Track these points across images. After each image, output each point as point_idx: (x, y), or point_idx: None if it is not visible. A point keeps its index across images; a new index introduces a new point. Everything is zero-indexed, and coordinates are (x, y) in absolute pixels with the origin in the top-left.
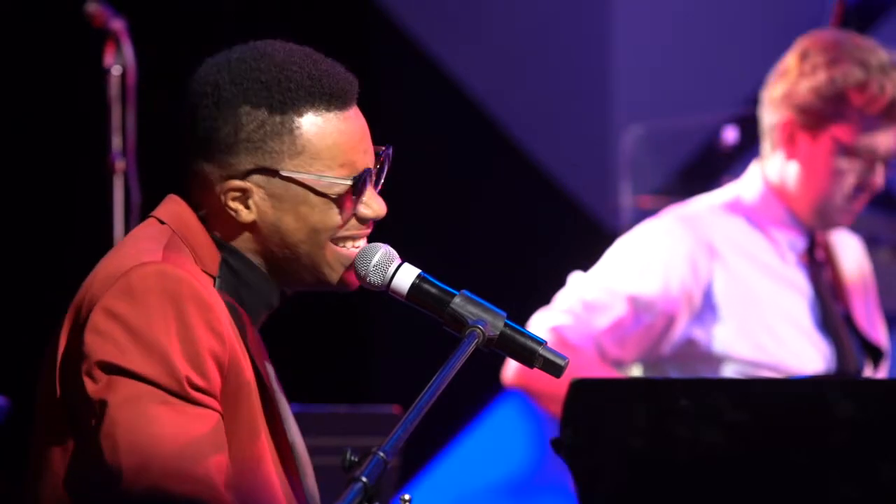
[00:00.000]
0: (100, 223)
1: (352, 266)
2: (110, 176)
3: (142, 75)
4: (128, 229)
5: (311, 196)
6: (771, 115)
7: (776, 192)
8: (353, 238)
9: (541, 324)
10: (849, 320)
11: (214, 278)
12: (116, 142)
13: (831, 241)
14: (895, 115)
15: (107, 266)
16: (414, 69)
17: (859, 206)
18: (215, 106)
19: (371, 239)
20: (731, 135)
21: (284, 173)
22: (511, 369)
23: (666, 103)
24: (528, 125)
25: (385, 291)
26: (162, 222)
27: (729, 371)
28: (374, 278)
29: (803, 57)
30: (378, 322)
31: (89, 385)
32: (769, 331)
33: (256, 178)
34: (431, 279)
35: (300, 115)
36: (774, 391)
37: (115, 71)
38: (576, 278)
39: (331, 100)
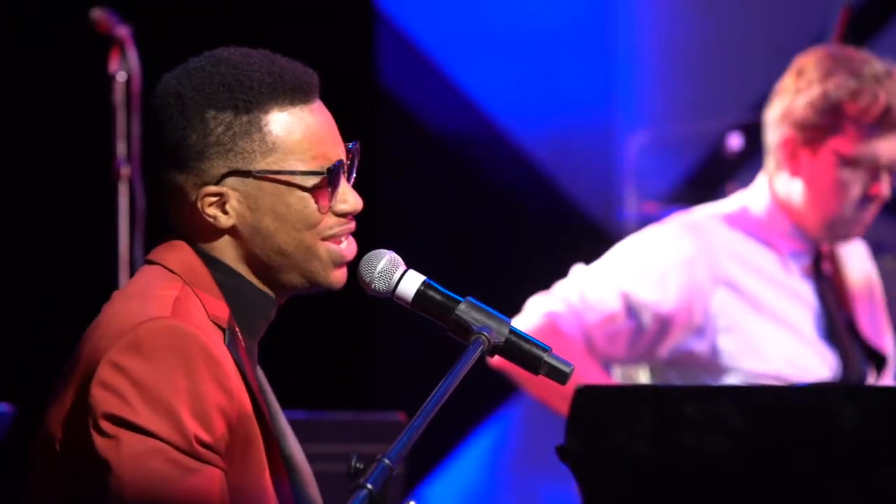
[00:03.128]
0: (105, 229)
1: (341, 263)
2: (115, 182)
3: (147, 82)
4: (132, 235)
5: (287, 193)
6: (772, 134)
7: (783, 208)
8: (338, 236)
9: (536, 308)
10: (853, 329)
11: (224, 331)
12: (121, 148)
13: (839, 252)
14: (893, 123)
15: (114, 318)
16: (418, 75)
17: (870, 216)
18: (181, 115)
19: (376, 244)
20: (735, 141)
21: (258, 172)
22: None
23: (670, 110)
24: (533, 132)
25: (390, 298)
26: (171, 271)
27: (732, 380)
28: (379, 285)
29: (799, 74)
30: (383, 329)
31: (96, 438)
32: (773, 341)
33: (231, 181)
34: (436, 286)
35: (266, 112)
36: (778, 398)
37: (120, 77)
38: (577, 270)
39: (294, 94)
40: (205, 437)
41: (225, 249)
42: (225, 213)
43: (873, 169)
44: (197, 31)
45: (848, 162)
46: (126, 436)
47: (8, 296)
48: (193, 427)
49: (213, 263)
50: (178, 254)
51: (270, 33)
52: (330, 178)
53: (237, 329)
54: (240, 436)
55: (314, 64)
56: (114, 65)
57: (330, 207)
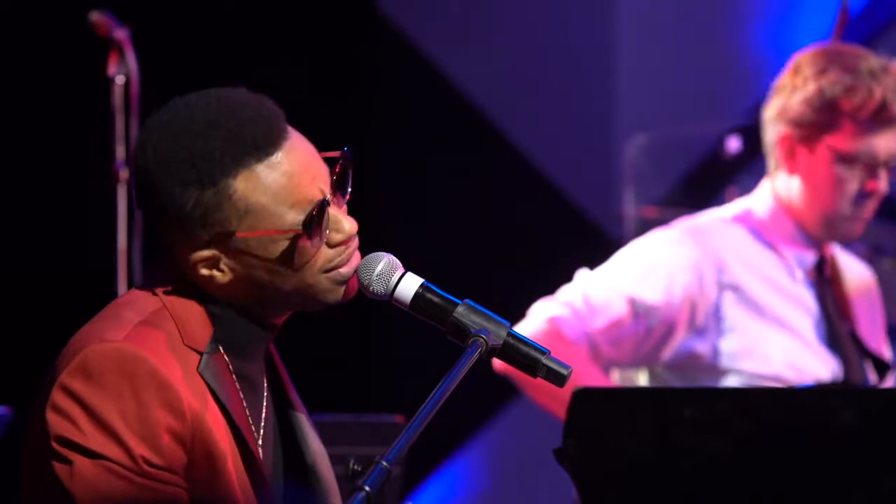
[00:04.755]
0: (104, 232)
1: (345, 281)
2: (114, 185)
3: (145, 84)
4: (131, 239)
5: (275, 246)
6: (770, 132)
7: (785, 208)
8: (340, 264)
9: (540, 313)
10: (854, 336)
11: (201, 354)
12: (120, 151)
13: (837, 259)
14: (889, 118)
15: (77, 338)
16: (418, 77)
17: (868, 212)
18: (151, 194)
19: (375, 248)
20: (733, 144)
21: (239, 236)
22: None
23: (669, 113)
24: (532, 134)
25: (388, 301)
26: (155, 294)
27: (732, 382)
28: (378, 287)
29: (794, 72)
30: (381, 331)
31: (52, 461)
32: (775, 344)
33: (216, 245)
34: (435, 288)
35: (234, 177)
36: (778, 400)
37: (119, 80)
38: (582, 275)
39: (258, 152)
40: (153, 458)
41: (228, 295)
42: (220, 270)
43: (870, 165)
44: (195, 34)
45: (844, 158)
46: (77, 459)
47: (6, 298)
48: (140, 449)
49: (203, 294)
50: (168, 277)
51: (268, 36)
52: (313, 222)
53: (222, 352)
54: (199, 454)
55: (312, 68)
56: (112, 68)
57: (325, 242)
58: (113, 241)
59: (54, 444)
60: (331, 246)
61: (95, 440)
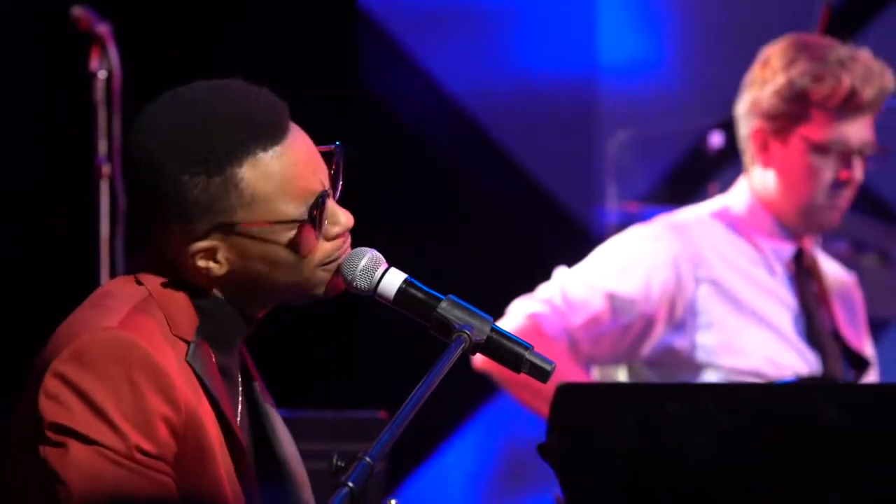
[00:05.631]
0: (86, 228)
1: (337, 273)
2: (97, 180)
3: (127, 79)
4: (113, 233)
5: (275, 238)
6: (743, 126)
7: (762, 202)
8: (337, 259)
9: (519, 310)
10: (834, 331)
11: (189, 343)
12: (102, 146)
13: (818, 257)
14: (859, 106)
15: (66, 327)
16: (400, 74)
17: (844, 202)
18: (156, 182)
19: (358, 243)
20: (716, 140)
21: (242, 226)
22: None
23: (652, 108)
24: (514, 130)
25: (372, 296)
26: (140, 283)
27: (710, 378)
28: (361, 283)
29: (764, 65)
30: (365, 327)
31: (43, 448)
32: (753, 339)
33: (217, 235)
34: (418, 284)
35: (240, 165)
36: (762, 396)
37: (101, 75)
38: (560, 272)
39: (264, 140)
40: (146, 446)
41: (214, 286)
42: (217, 262)
43: (844, 154)
44: (177, 29)
45: (818, 148)
46: (71, 444)
47: None
48: (134, 436)
49: (191, 286)
50: (154, 267)
51: (253, 31)
52: (315, 213)
53: (206, 344)
54: (191, 445)
55: (296, 65)
56: (94, 62)
57: (322, 236)
58: (95, 236)
59: (47, 431)
60: (328, 239)
61: (90, 426)
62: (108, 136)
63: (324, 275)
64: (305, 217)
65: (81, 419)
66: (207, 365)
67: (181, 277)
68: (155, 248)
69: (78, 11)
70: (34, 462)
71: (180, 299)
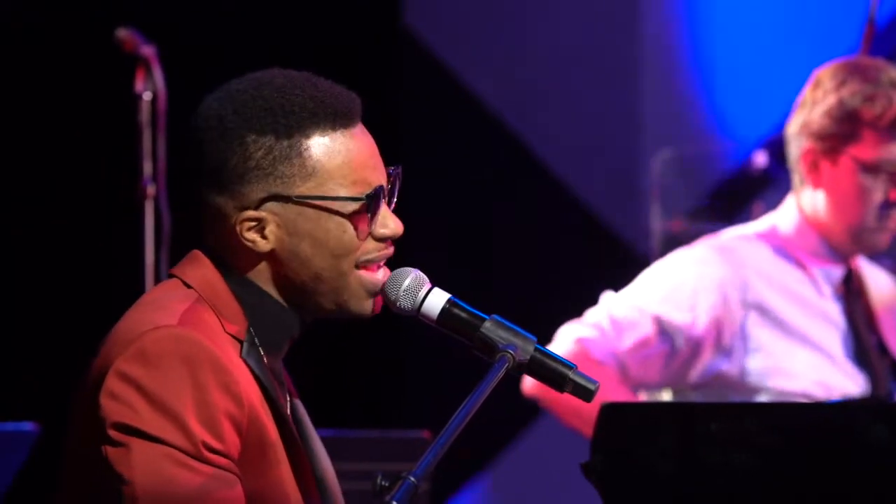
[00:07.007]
0: (131, 249)
1: (376, 293)
2: (141, 202)
3: (172, 101)
4: (158, 254)
5: (327, 218)
6: (794, 147)
7: (811, 223)
8: (375, 261)
9: (567, 335)
10: (882, 350)
11: (242, 342)
12: (147, 167)
13: (863, 272)
14: None
15: (123, 328)
16: (444, 93)
17: (894, 223)
18: (221, 138)
19: (401, 262)
20: (761, 159)
21: (298, 197)
22: (529, 380)
23: (696, 127)
24: (558, 149)
25: (415, 316)
26: (188, 285)
27: (760, 399)
28: (405, 303)
29: (815, 86)
30: (409, 346)
31: (107, 448)
32: (802, 363)
33: (270, 205)
34: (462, 304)
35: (307, 136)
36: (805, 415)
37: (146, 97)
38: (607, 296)
39: (336, 119)
40: (213, 443)
41: (258, 271)
42: (264, 237)
43: (894, 174)
44: (221, 50)
45: (868, 168)
46: (136, 443)
47: (35, 315)
48: (201, 433)
49: (237, 280)
50: (198, 268)
51: (294, 52)
52: (370, 204)
53: (257, 343)
54: (253, 443)
55: (341, 85)
56: (139, 84)
57: (370, 233)
58: (140, 258)
59: (111, 431)
60: (375, 238)
61: (155, 424)
62: (152, 158)
63: (359, 282)
64: (362, 202)
65: (147, 417)
66: (261, 364)
67: (227, 261)
68: (205, 223)
69: (123, 33)
70: (96, 464)
71: (228, 299)
